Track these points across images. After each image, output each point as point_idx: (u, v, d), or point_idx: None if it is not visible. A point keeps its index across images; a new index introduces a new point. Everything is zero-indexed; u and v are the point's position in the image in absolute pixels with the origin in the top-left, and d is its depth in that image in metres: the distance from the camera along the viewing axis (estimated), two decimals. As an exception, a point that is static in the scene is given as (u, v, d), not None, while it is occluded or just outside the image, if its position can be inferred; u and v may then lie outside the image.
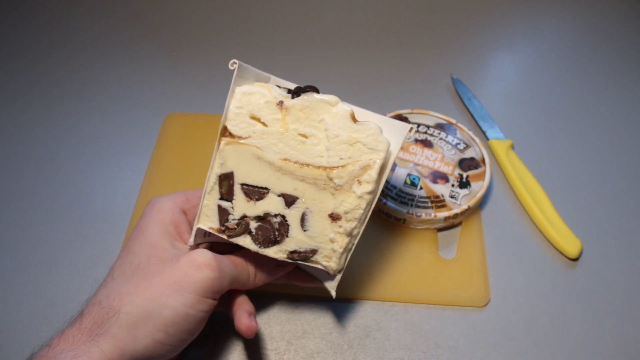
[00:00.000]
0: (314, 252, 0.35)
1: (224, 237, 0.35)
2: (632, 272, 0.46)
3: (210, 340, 0.42)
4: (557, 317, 0.44)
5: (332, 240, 0.35)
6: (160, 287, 0.32)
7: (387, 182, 0.49)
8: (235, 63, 0.32)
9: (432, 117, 0.55)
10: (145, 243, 0.34)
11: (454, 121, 0.55)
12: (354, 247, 0.36)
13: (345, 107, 0.33)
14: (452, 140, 0.53)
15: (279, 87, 0.35)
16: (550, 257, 0.47)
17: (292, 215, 0.34)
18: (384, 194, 0.48)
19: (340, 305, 0.44)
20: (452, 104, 0.61)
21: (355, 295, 0.44)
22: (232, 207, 0.35)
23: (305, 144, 0.33)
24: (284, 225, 0.35)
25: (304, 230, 0.35)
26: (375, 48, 0.68)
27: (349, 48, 0.68)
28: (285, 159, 0.33)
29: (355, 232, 0.35)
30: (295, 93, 0.33)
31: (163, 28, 0.70)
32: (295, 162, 0.33)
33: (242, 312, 0.36)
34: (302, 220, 0.34)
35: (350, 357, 0.41)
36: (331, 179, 0.33)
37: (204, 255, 0.33)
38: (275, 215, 0.35)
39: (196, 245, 0.36)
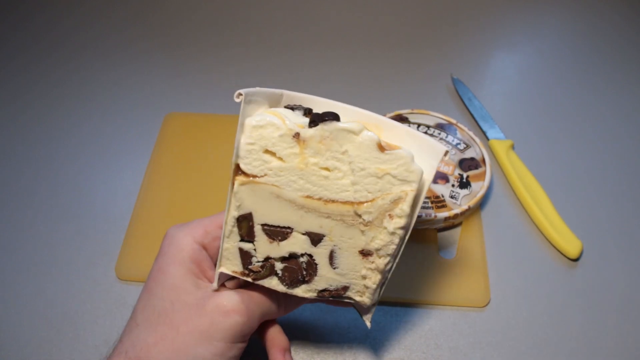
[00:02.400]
0: (345, 289, 0.33)
1: (249, 279, 0.33)
2: (632, 272, 0.46)
3: None
4: (557, 317, 0.44)
5: (364, 277, 0.32)
6: (188, 338, 0.30)
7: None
8: (241, 94, 0.28)
9: (432, 117, 0.55)
10: (167, 286, 0.32)
11: (454, 121, 0.55)
12: (387, 280, 0.34)
13: (370, 135, 0.29)
14: (453, 141, 0.53)
15: (293, 108, 0.31)
16: (551, 257, 0.47)
17: (320, 254, 0.32)
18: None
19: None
20: (452, 104, 0.61)
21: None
22: (255, 249, 0.32)
23: (328, 178, 0.30)
24: (311, 265, 0.32)
25: (334, 268, 0.32)
26: (375, 48, 0.68)
27: (349, 48, 0.68)
28: (307, 196, 0.30)
29: (389, 267, 0.32)
30: (313, 122, 0.29)
31: (163, 28, 0.70)
32: (319, 199, 0.30)
33: (277, 351, 0.35)
34: (331, 258, 0.32)
35: (350, 357, 0.41)
36: (359, 215, 0.30)
37: (231, 299, 0.32)
38: (302, 255, 0.32)
39: (222, 284, 0.34)
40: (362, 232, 0.31)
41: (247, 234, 0.32)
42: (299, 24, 0.71)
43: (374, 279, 0.32)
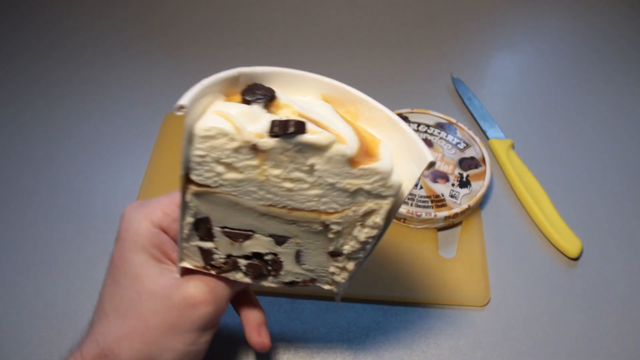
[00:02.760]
0: (313, 280, 0.32)
1: (213, 273, 0.32)
2: (632, 272, 0.46)
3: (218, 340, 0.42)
4: (557, 316, 0.43)
5: (332, 273, 0.31)
6: (157, 331, 0.30)
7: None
8: (183, 107, 0.23)
9: (432, 117, 0.55)
10: (131, 274, 0.31)
11: (454, 121, 0.55)
12: (361, 267, 0.32)
13: (342, 150, 0.24)
14: (452, 140, 0.53)
15: (250, 101, 0.26)
16: (551, 257, 0.47)
17: (286, 253, 0.30)
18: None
19: (340, 305, 0.44)
20: (452, 104, 0.61)
21: (355, 295, 0.44)
22: (216, 248, 0.30)
23: (292, 190, 0.26)
24: (276, 262, 0.30)
25: (300, 265, 0.30)
26: (375, 48, 0.68)
27: (349, 48, 0.68)
28: (269, 205, 0.27)
29: (358, 267, 0.30)
30: (274, 134, 0.24)
31: (163, 28, 0.70)
32: (283, 207, 0.27)
33: (252, 328, 0.35)
34: (297, 257, 0.30)
35: (350, 357, 0.41)
36: (327, 225, 0.27)
37: (198, 289, 0.31)
38: (266, 254, 0.30)
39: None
40: (331, 239, 0.28)
41: (206, 235, 0.29)
42: (299, 24, 0.71)
43: (342, 276, 0.31)
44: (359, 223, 0.27)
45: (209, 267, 0.31)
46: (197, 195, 0.27)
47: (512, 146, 0.55)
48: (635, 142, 0.57)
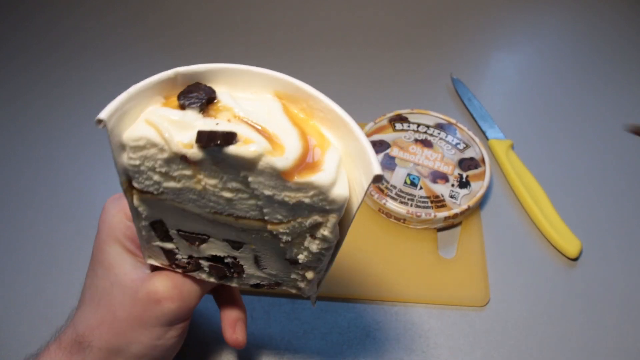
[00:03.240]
0: (278, 284, 0.31)
1: (179, 272, 0.31)
2: (632, 272, 0.46)
3: (210, 339, 0.42)
4: (557, 317, 0.44)
5: (295, 279, 0.30)
6: (124, 324, 0.31)
7: (386, 181, 0.49)
8: (101, 121, 0.22)
9: (432, 117, 0.55)
10: (105, 265, 0.32)
11: (453, 121, 0.55)
12: (325, 278, 0.30)
13: (271, 163, 0.22)
14: (452, 140, 0.53)
15: (185, 105, 0.24)
16: (550, 257, 0.47)
17: (244, 257, 0.29)
18: (384, 193, 0.48)
19: (340, 305, 0.44)
20: (452, 104, 0.61)
21: (355, 296, 0.44)
22: (177, 248, 0.30)
23: (232, 200, 0.24)
24: (237, 265, 0.30)
25: (262, 269, 0.30)
26: (375, 48, 0.68)
27: (349, 48, 0.68)
28: (215, 212, 0.26)
29: (320, 275, 0.29)
30: (199, 144, 0.22)
31: (163, 28, 0.70)
32: (229, 215, 0.26)
33: (227, 325, 0.35)
34: (257, 261, 0.29)
35: (350, 357, 0.41)
36: (275, 235, 0.26)
37: (163, 284, 0.31)
38: (226, 257, 0.29)
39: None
40: (283, 248, 0.27)
41: (164, 237, 0.29)
42: (299, 24, 0.71)
43: (305, 283, 0.30)
44: (308, 234, 0.26)
45: (174, 265, 0.31)
46: (143, 200, 0.26)
47: (512, 146, 0.55)
48: (635, 142, 0.57)
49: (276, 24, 0.71)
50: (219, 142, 0.22)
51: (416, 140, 0.53)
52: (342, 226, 0.26)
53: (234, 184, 0.24)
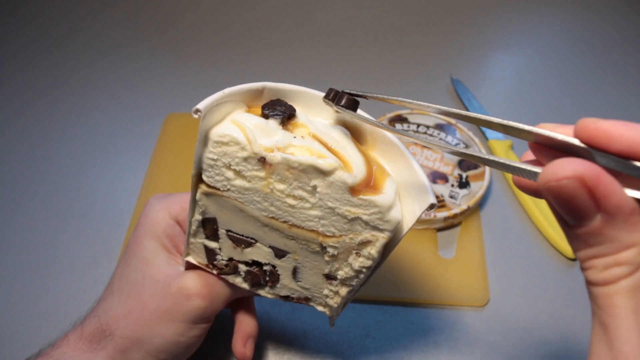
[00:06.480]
0: (307, 299, 0.32)
1: (214, 273, 0.33)
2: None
3: (211, 339, 0.42)
4: (556, 316, 0.44)
5: (326, 296, 0.31)
6: (153, 315, 0.32)
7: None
8: (199, 112, 0.25)
9: (431, 118, 0.55)
10: (140, 258, 0.33)
11: (453, 121, 0.55)
12: (352, 298, 0.32)
13: (343, 178, 0.25)
14: (452, 141, 0.53)
15: (268, 115, 0.27)
16: (550, 257, 0.47)
17: (283, 267, 0.31)
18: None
19: (340, 305, 0.44)
20: (452, 105, 0.61)
21: (356, 296, 0.44)
22: (220, 249, 0.31)
23: (294, 207, 0.27)
24: (274, 274, 0.31)
25: (297, 281, 0.31)
26: (375, 48, 0.68)
27: (349, 48, 0.68)
28: (272, 217, 0.28)
29: (351, 294, 0.31)
30: (328, 97, 0.26)
31: (163, 28, 0.71)
32: (284, 222, 0.28)
33: (239, 337, 0.36)
34: (294, 272, 0.31)
35: (350, 357, 0.41)
36: (324, 247, 0.28)
37: (195, 282, 0.32)
38: (265, 264, 0.31)
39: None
40: (327, 261, 0.29)
41: (212, 235, 0.31)
42: (299, 24, 0.71)
43: (335, 300, 0.31)
44: (354, 251, 0.28)
45: (211, 266, 0.32)
46: (206, 194, 0.28)
47: (512, 147, 0.55)
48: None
49: (276, 24, 0.71)
50: (343, 102, 0.26)
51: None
52: (387, 249, 0.28)
53: (300, 192, 0.26)
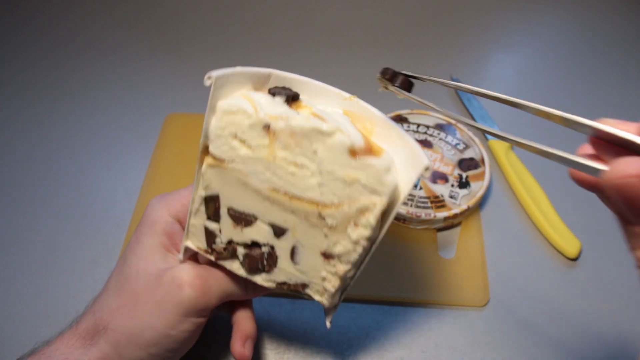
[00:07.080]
0: (304, 286, 0.32)
1: (212, 258, 0.33)
2: (631, 272, 0.46)
3: (210, 339, 0.42)
4: (557, 317, 0.44)
5: (324, 279, 0.31)
6: (145, 307, 0.32)
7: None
8: (210, 78, 0.27)
9: (431, 118, 0.55)
10: (138, 255, 0.34)
11: (453, 121, 0.55)
12: (350, 286, 0.32)
13: (342, 139, 0.27)
14: (452, 141, 0.53)
15: (275, 93, 0.29)
16: (550, 257, 0.47)
17: (282, 248, 0.31)
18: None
19: (341, 305, 0.44)
20: (452, 104, 0.61)
21: (355, 295, 0.44)
22: (220, 231, 0.32)
23: (295, 175, 0.28)
24: (272, 256, 0.32)
25: (294, 264, 0.31)
26: (375, 48, 0.68)
27: (349, 48, 0.68)
28: (273, 189, 0.29)
29: (350, 274, 0.31)
30: (385, 75, 0.28)
31: (163, 28, 0.71)
32: (285, 194, 0.29)
33: (237, 338, 0.35)
34: (292, 253, 0.31)
35: (350, 357, 0.41)
36: (323, 218, 0.29)
37: (188, 272, 0.32)
38: (264, 245, 0.32)
39: (191, 257, 0.35)
40: (325, 235, 0.29)
41: (213, 214, 0.32)
42: (299, 24, 0.71)
43: (333, 283, 0.31)
44: (353, 220, 0.28)
45: (210, 250, 0.33)
46: (211, 167, 0.30)
47: (511, 147, 0.55)
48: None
49: (276, 23, 0.71)
50: (398, 84, 0.28)
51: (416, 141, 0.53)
52: (384, 218, 0.29)
53: (301, 159, 0.28)
